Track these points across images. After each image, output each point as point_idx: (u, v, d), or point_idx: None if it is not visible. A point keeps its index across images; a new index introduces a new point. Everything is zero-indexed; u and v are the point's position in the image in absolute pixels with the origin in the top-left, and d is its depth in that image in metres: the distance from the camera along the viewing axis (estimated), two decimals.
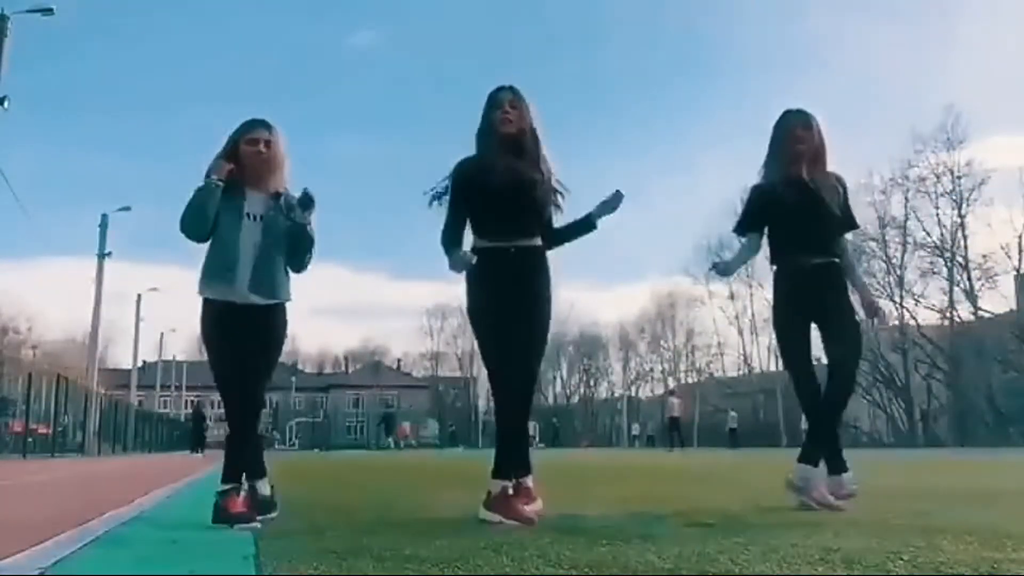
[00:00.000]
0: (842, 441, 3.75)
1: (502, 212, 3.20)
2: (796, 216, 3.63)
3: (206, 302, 3.23)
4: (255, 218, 3.25)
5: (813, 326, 3.68)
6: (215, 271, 3.21)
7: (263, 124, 3.33)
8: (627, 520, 2.99)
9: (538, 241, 3.27)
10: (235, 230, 3.21)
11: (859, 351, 3.76)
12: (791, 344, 3.70)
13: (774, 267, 3.78)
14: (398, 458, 17.36)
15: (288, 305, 3.32)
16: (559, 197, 3.34)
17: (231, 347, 3.17)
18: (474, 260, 3.10)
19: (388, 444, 33.83)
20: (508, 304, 3.14)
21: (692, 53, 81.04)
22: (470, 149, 3.32)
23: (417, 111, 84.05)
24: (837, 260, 3.70)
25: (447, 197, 3.28)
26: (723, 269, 4.06)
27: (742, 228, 3.87)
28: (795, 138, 3.65)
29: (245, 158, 3.25)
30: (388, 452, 26.72)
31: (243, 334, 3.17)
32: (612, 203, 3.35)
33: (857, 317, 3.75)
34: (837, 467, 3.65)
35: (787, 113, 3.72)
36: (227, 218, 3.22)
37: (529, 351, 3.20)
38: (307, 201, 3.28)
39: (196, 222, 3.20)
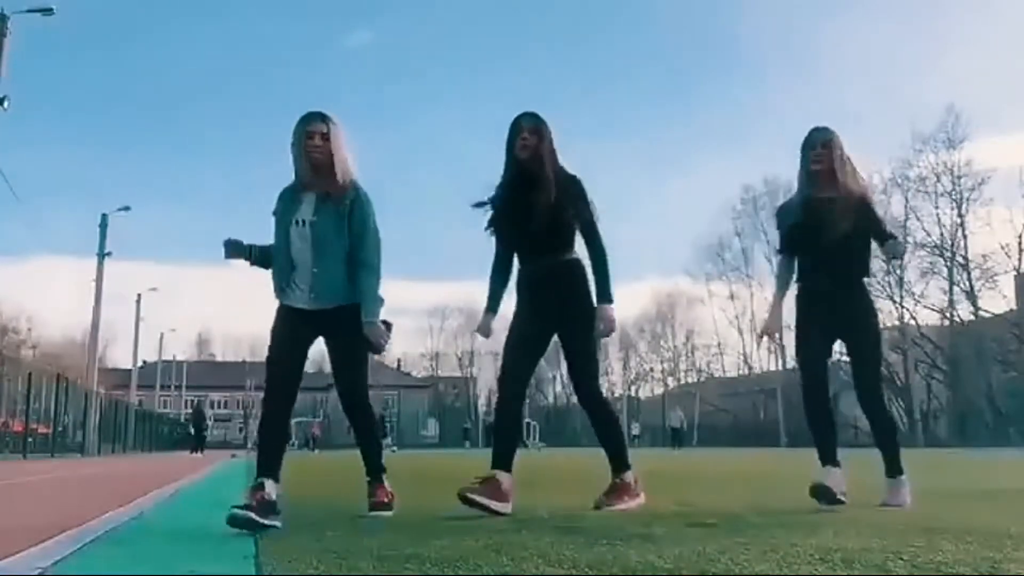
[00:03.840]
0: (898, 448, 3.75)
1: (519, 239, 3.53)
2: (811, 238, 3.71)
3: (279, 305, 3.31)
4: (305, 223, 3.23)
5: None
6: (276, 281, 3.29)
7: (319, 117, 3.22)
8: (627, 520, 2.99)
9: (564, 256, 3.51)
10: (284, 241, 3.25)
11: (878, 366, 3.93)
12: (806, 358, 3.76)
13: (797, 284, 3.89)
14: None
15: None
16: (581, 208, 3.50)
17: (289, 343, 3.24)
18: (488, 332, 3.71)
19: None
20: (532, 319, 3.51)
21: (691, 53, 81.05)
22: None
23: (415, 110, 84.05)
24: (854, 278, 3.78)
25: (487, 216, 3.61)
26: (771, 328, 4.05)
27: (784, 249, 3.95)
28: (812, 158, 3.74)
29: (304, 154, 3.21)
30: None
31: (307, 334, 3.27)
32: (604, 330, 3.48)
33: (878, 330, 3.90)
34: (894, 471, 3.69)
35: (811, 132, 3.79)
36: (281, 229, 3.27)
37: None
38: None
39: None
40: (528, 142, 3.46)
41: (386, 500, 3.45)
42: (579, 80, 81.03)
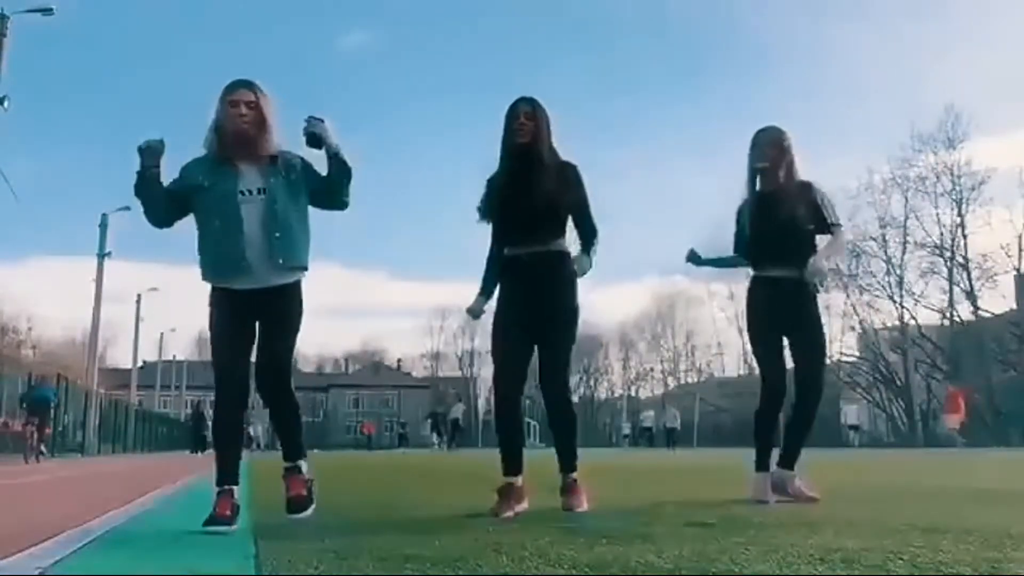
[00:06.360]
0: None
1: (515, 221, 3.44)
2: (764, 231, 3.88)
3: (216, 290, 3.04)
4: (253, 192, 2.98)
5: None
6: (222, 260, 2.99)
7: (245, 84, 3.02)
8: (627, 520, 2.99)
9: (555, 246, 3.45)
10: (234, 215, 2.95)
11: (824, 358, 4.09)
12: (766, 351, 3.95)
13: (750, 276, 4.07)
14: (392, 459, 17.33)
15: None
16: (576, 193, 3.49)
17: (244, 333, 3.03)
18: (479, 314, 3.62)
19: (434, 443, 31.23)
20: (522, 308, 3.39)
21: (692, 55, 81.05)
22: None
23: (413, 110, 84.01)
24: (800, 265, 3.88)
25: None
26: (695, 258, 4.27)
27: (740, 249, 4.10)
28: (758, 155, 3.91)
29: (228, 123, 2.97)
30: (434, 452, 25.19)
31: (258, 317, 3.03)
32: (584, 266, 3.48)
33: (824, 329, 4.10)
34: (790, 464, 3.92)
35: (757, 132, 3.96)
36: (224, 204, 2.97)
37: (547, 349, 3.44)
38: (314, 138, 3.00)
39: (150, 213, 3.08)
40: (526, 126, 3.41)
41: (304, 493, 3.08)
42: (578, 80, 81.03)
